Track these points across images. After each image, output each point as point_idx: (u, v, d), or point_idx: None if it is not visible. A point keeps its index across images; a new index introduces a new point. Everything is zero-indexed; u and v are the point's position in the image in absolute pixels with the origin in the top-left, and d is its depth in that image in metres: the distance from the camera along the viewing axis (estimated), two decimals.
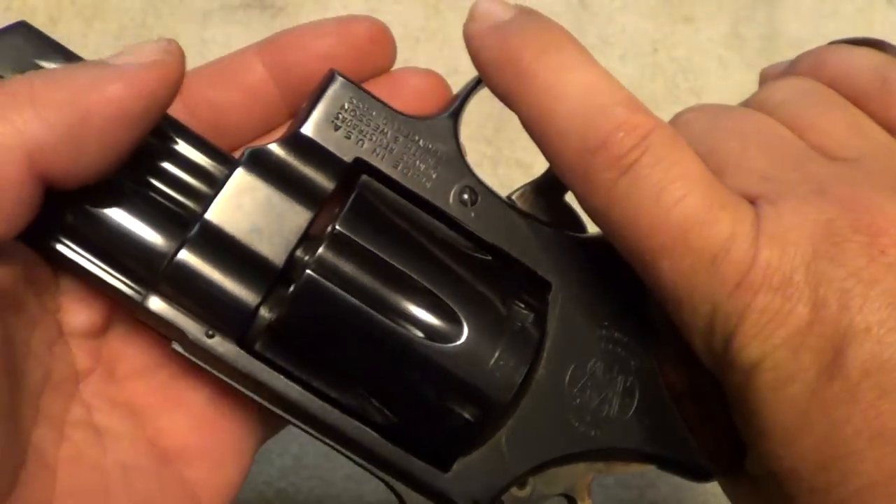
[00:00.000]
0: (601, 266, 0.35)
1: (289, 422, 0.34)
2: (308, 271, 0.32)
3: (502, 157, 0.60)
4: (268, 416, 0.35)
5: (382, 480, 0.34)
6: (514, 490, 0.35)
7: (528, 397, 0.34)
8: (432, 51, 0.63)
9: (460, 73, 0.61)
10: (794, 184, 0.31)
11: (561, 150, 0.32)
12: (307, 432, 0.34)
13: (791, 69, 0.38)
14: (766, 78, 0.39)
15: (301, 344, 0.33)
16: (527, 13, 0.33)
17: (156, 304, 0.32)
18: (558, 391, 0.34)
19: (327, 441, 0.34)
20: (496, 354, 0.33)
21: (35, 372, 0.32)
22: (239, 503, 0.56)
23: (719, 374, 0.32)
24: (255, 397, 0.33)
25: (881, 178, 0.31)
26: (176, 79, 0.30)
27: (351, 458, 0.34)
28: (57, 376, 0.33)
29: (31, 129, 0.28)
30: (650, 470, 0.36)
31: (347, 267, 0.32)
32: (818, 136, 0.33)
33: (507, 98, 0.33)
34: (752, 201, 0.31)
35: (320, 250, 0.32)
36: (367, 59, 0.36)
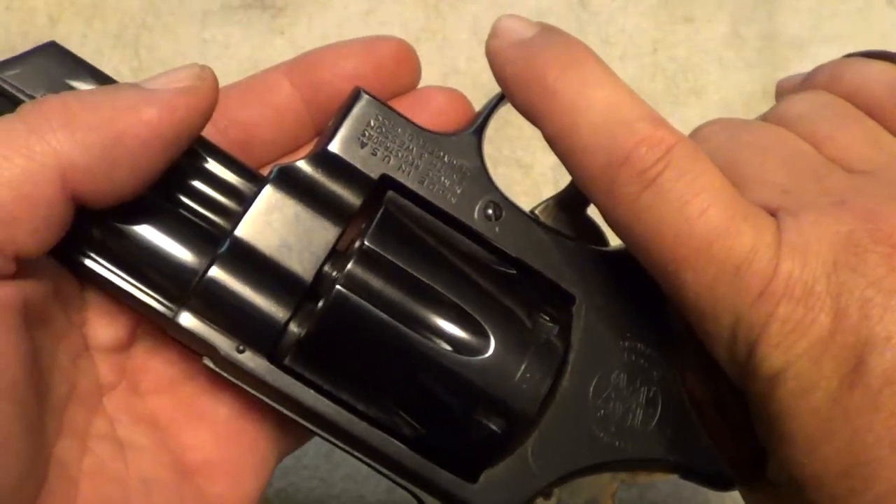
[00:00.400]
0: (623, 278, 0.35)
1: (318, 434, 0.34)
2: (338, 286, 0.32)
3: (502, 157, 0.60)
4: (289, 430, 0.35)
5: (410, 492, 0.34)
6: (540, 501, 0.35)
7: (553, 409, 0.35)
8: (432, 51, 0.63)
9: (460, 73, 0.62)
10: (814, 196, 0.32)
11: (585, 165, 0.32)
12: (336, 445, 0.34)
13: (807, 83, 0.38)
14: (781, 90, 0.39)
15: (330, 358, 0.33)
16: (548, 30, 0.34)
17: (187, 319, 0.33)
18: (583, 402, 0.35)
19: (355, 454, 0.34)
20: (522, 367, 0.33)
21: (60, 385, 0.32)
22: None
23: (742, 384, 0.32)
24: (285, 411, 0.34)
25: None
26: (209, 105, 0.31)
27: (379, 471, 0.34)
28: (81, 390, 0.33)
29: (65, 150, 0.29)
30: (670, 478, 0.36)
31: (375, 282, 0.33)
32: (836, 150, 0.34)
33: (530, 114, 0.33)
34: (773, 213, 0.31)
35: (349, 266, 0.33)
36: (392, 79, 0.37)
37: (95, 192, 0.30)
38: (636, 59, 0.64)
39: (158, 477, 0.34)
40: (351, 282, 0.32)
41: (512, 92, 0.34)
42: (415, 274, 0.33)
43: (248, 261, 0.33)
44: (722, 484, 0.36)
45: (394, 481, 0.34)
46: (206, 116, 0.31)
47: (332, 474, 0.56)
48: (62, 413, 0.32)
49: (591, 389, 0.35)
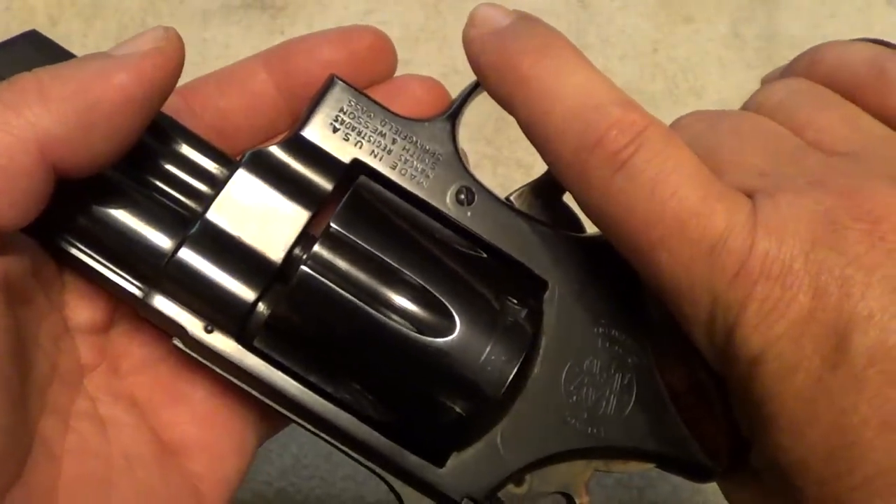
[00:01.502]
0: (599, 265, 0.35)
1: (285, 416, 0.34)
2: (302, 267, 0.33)
3: (502, 157, 0.60)
4: (269, 412, 0.36)
5: (377, 475, 0.35)
6: (511, 487, 0.35)
7: (524, 395, 0.34)
8: (432, 51, 0.63)
9: (459, 73, 0.62)
10: (792, 177, 0.31)
11: (558, 150, 0.32)
12: (303, 426, 0.34)
13: (789, 70, 0.38)
14: (765, 83, 0.39)
15: (297, 339, 0.33)
16: (525, 18, 0.34)
17: (156, 300, 0.33)
18: (555, 389, 0.35)
19: (322, 435, 0.34)
20: (488, 349, 0.33)
21: (42, 365, 0.33)
22: (239, 503, 0.56)
23: (722, 368, 0.32)
24: (253, 391, 0.34)
25: (879, 167, 0.31)
26: (175, 64, 0.31)
27: (345, 453, 0.34)
28: (63, 370, 0.34)
29: (41, 122, 0.29)
30: (650, 470, 0.36)
31: (341, 263, 0.33)
32: (815, 134, 0.33)
33: (505, 102, 0.34)
34: (750, 196, 0.31)
35: (315, 247, 0.33)
36: (368, 67, 0.37)
37: (75, 161, 0.30)
38: (636, 59, 0.64)
39: (140, 453, 0.34)
40: (316, 263, 0.33)
41: (487, 80, 0.34)
42: (381, 256, 0.33)
43: (218, 243, 0.33)
44: (701, 475, 0.36)
45: (362, 464, 0.35)
46: (175, 75, 0.32)
47: (332, 474, 0.56)
48: (44, 392, 0.33)
49: (564, 375, 0.35)
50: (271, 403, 0.34)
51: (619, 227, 0.31)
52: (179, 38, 0.32)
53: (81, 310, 0.35)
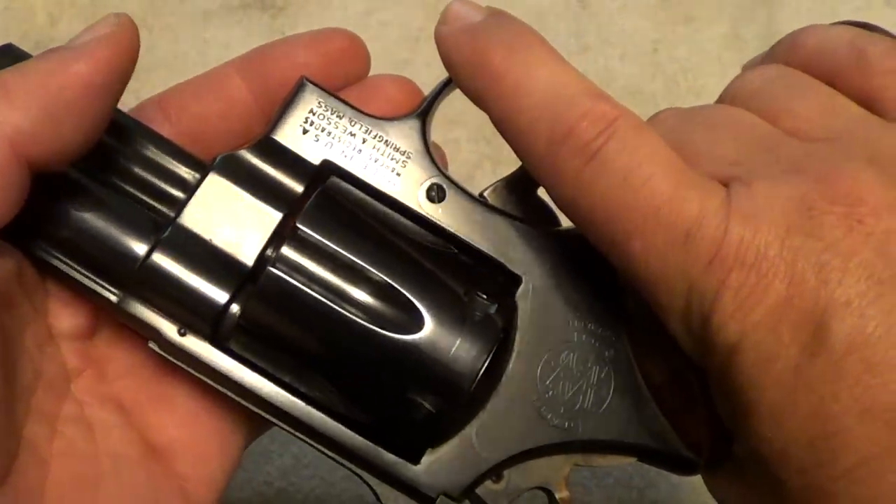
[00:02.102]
0: (574, 259, 0.35)
1: (260, 416, 0.35)
2: (268, 267, 0.33)
3: (502, 157, 0.60)
4: (253, 414, 0.36)
5: (354, 473, 0.35)
6: (489, 483, 0.35)
7: (499, 390, 0.35)
8: (432, 51, 0.63)
9: None
10: (767, 165, 0.31)
11: (530, 144, 0.32)
12: (279, 426, 0.35)
13: (769, 56, 0.38)
14: (745, 70, 0.39)
15: (268, 339, 0.34)
16: (496, 15, 0.34)
17: (131, 304, 0.34)
18: (530, 383, 0.35)
19: (298, 434, 0.34)
20: (457, 344, 0.33)
21: (27, 370, 0.33)
22: (239, 503, 0.56)
23: (701, 358, 0.32)
24: (228, 393, 0.34)
25: (857, 150, 0.31)
26: (130, 46, 0.32)
27: (322, 451, 0.35)
28: (49, 376, 0.34)
29: (9, 119, 0.30)
30: (649, 469, 0.36)
31: (308, 263, 0.33)
32: (792, 121, 0.33)
33: (478, 98, 0.34)
34: (725, 185, 0.31)
35: (282, 248, 0.33)
36: (341, 70, 0.38)
37: (47, 153, 0.31)
38: (636, 59, 0.64)
39: (127, 455, 0.35)
40: (283, 263, 0.33)
41: (459, 77, 0.34)
42: (348, 255, 0.33)
43: (190, 246, 0.33)
44: (683, 468, 0.35)
45: (339, 463, 0.35)
46: (132, 59, 0.32)
47: (333, 474, 0.56)
48: (30, 397, 0.33)
49: (540, 370, 0.35)
50: (246, 404, 0.34)
51: (592, 217, 0.31)
52: (132, 23, 0.32)
53: (65, 317, 0.35)
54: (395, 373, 0.33)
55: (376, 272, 0.33)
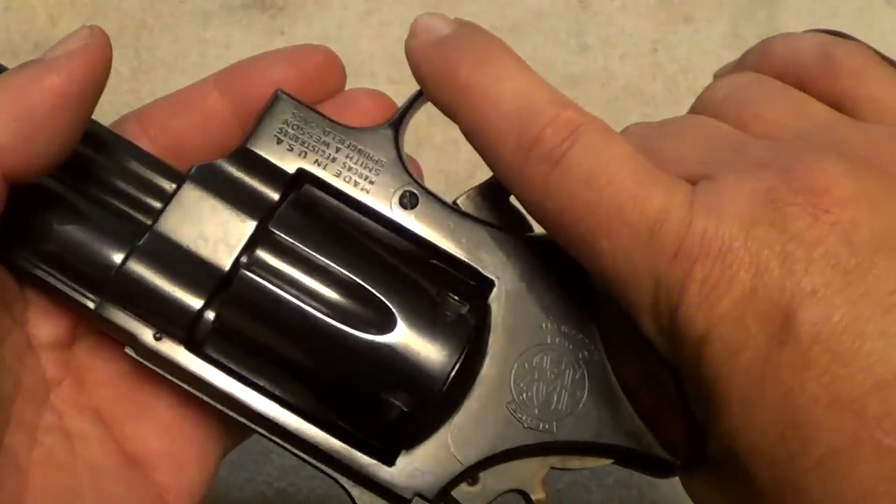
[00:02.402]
0: (546, 264, 0.36)
1: (237, 423, 0.35)
2: (241, 270, 0.34)
3: None
4: (231, 422, 0.36)
5: (329, 476, 0.35)
6: (464, 486, 0.35)
7: (473, 392, 0.35)
8: None
9: None
10: (735, 162, 0.31)
11: (498, 154, 0.33)
12: (254, 430, 0.35)
13: (739, 65, 0.38)
14: (717, 78, 0.39)
15: (242, 342, 0.34)
16: (465, 27, 0.35)
17: (107, 310, 0.34)
18: (504, 385, 0.35)
19: (273, 438, 0.35)
20: (429, 344, 0.34)
21: (7, 381, 0.33)
22: (239, 503, 0.56)
23: (672, 356, 0.32)
24: (204, 397, 0.35)
25: (824, 146, 0.31)
26: (103, 58, 0.33)
27: (296, 455, 0.35)
28: (28, 386, 0.34)
29: None
30: (608, 465, 0.36)
31: (280, 265, 0.34)
32: (762, 126, 0.33)
33: (447, 110, 0.34)
34: (693, 183, 0.31)
35: (256, 251, 0.34)
36: (317, 85, 0.39)
37: (23, 164, 0.31)
38: (636, 59, 0.64)
39: (105, 465, 0.35)
40: (257, 266, 0.34)
41: (429, 89, 0.35)
42: (321, 257, 0.34)
43: (166, 253, 0.34)
44: (660, 469, 0.36)
45: (313, 466, 0.35)
46: (105, 70, 0.33)
47: None
48: (9, 407, 0.33)
49: (513, 372, 0.35)
50: (222, 408, 0.35)
51: (560, 220, 0.32)
52: (104, 35, 0.33)
53: (44, 326, 0.36)
54: (368, 373, 0.33)
55: (348, 274, 0.34)
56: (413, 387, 0.33)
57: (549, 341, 0.35)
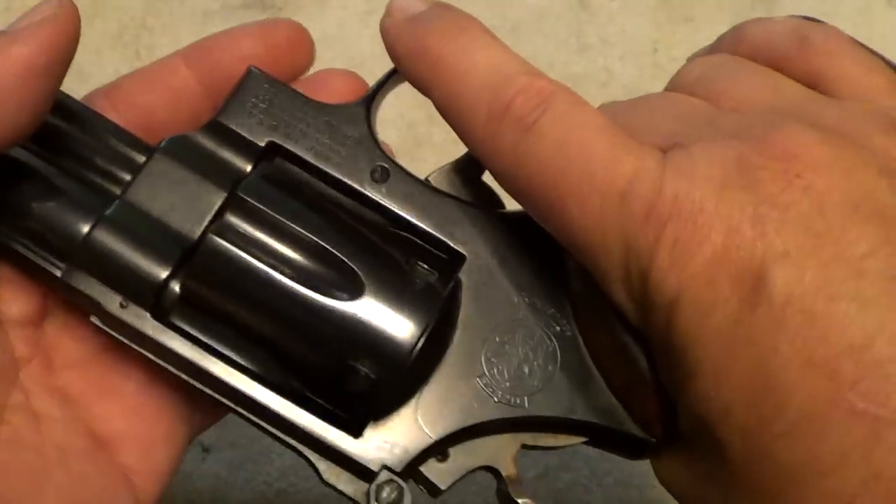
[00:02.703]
0: (518, 239, 0.35)
1: (203, 394, 0.35)
2: (209, 235, 0.34)
3: None
4: (198, 406, 0.37)
5: (293, 448, 0.34)
6: (433, 462, 0.34)
7: (443, 365, 0.34)
8: None
9: None
10: (706, 132, 0.31)
11: (470, 124, 0.33)
12: (219, 400, 0.34)
13: (714, 49, 0.38)
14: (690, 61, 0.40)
15: (208, 309, 0.34)
16: (438, 5, 0.35)
17: (73, 278, 0.34)
18: (475, 359, 0.34)
19: (237, 409, 0.34)
20: (397, 311, 0.33)
21: None
22: (239, 503, 0.56)
23: (644, 324, 0.31)
24: (170, 367, 0.34)
25: (797, 118, 0.31)
26: (72, 29, 0.32)
27: (261, 427, 0.34)
28: None
29: None
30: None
31: (249, 229, 0.34)
32: (734, 102, 0.33)
33: (420, 84, 0.35)
34: (664, 152, 0.31)
35: (224, 216, 0.34)
36: (286, 59, 0.39)
37: None
38: (636, 59, 0.64)
39: (73, 445, 0.35)
40: (224, 230, 0.34)
41: (403, 65, 0.35)
42: (289, 223, 0.34)
43: (134, 221, 0.34)
44: (634, 448, 0.35)
45: (278, 439, 0.34)
46: (73, 41, 0.32)
47: None
48: None
49: (484, 346, 0.35)
50: (187, 378, 0.34)
51: (531, 188, 0.32)
52: (73, 5, 0.33)
53: (13, 303, 0.35)
54: (335, 339, 0.33)
55: (316, 240, 0.34)
56: (381, 354, 0.33)
57: (520, 316, 0.35)
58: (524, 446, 0.35)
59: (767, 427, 0.28)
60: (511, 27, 0.63)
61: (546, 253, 0.35)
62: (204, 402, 0.36)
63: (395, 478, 0.33)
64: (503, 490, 0.34)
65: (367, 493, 0.34)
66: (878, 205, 0.29)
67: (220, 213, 0.34)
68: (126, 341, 0.34)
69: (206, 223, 0.34)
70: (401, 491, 0.33)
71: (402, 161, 0.37)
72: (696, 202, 0.29)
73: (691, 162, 0.30)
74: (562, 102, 0.32)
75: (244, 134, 0.36)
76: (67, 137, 0.36)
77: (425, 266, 0.35)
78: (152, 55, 0.63)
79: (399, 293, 0.33)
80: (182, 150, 0.35)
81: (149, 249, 0.34)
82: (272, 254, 0.34)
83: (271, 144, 0.36)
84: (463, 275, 0.35)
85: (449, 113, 0.34)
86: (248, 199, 0.34)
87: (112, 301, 0.34)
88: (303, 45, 0.39)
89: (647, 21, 0.65)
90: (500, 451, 0.35)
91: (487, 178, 0.36)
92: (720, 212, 0.29)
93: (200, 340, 0.34)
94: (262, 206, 0.34)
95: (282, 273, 0.33)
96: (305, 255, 0.34)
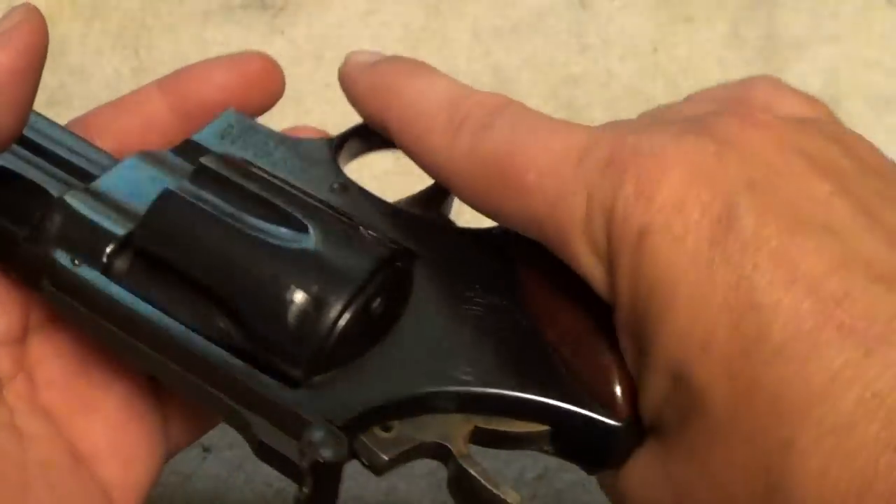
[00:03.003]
0: (471, 246, 0.36)
1: (146, 353, 0.35)
2: (166, 187, 0.35)
3: None
4: (177, 423, 0.38)
5: (228, 413, 0.33)
6: (377, 431, 0.33)
7: (392, 333, 0.34)
8: (432, 51, 0.63)
9: (460, 73, 0.62)
10: (658, 121, 0.32)
11: (428, 136, 0.34)
12: (154, 356, 0.34)
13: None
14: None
15: (155, 263, 0.34)
16: (394, 55, 0.37)
17: (35, 240, 0.35)
18: (424, 335, 0.34)
19: (175, 366, 0.34)
20: (340, 255, 0.34)
21: None
22: (239, 503, 0.56)
23: (608, 280, 0.30)
24: (114, 328, 0.34)
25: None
26: (44, 31, 0.34)
27: (195, 385, 0.33)
28: None
29: None
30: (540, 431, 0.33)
31: (204, 189, 0.35)
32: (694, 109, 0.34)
33: (381, 116, 0.36)
34: None
35: (183, 180, 0.36)
36: (257, 90, 0.41)
37: None
38: (636, 59, 0.64)
39: (55, 461, 0.35)
40: (180, 188, 0.35)
41: (362, 103, 0.37)
42: (245, 184, 0.35)
43: (101, 197, 0.35)
44: (599, 435, 0.32)
45: (215, 403, 0.33)
46: (46, 42, 0.34)
47: None
48: None
49: (434, 325, 0.34)
50: (132, 339, 0.34)
51: (487, 176, 0.32)
52: (38, 10, 0.34)
53: None
54: (278, 280, 0.33)
55: (267, 196, 0.35)
56: (323, 300, 0.33)
57: (472, 305, 0.34)
58: (477, 428, 0.33)
59: (752, 354, 0.27)
60: (511, 27, 0.63)
61: (498, 258, 0.35)
62: (183, 418, 0.37)
63: (335, 429, 0.31)
64: (455, 468, 0.32)
65: (303, 445, 0.31)
66: (829, 160, 0.29)
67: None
68: (74, 303, 0.35)
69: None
70: (339, 442, 0.31)
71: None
72: (655, 146, 0.29)
73: (647, 127, 0.31)
74: (516, 107, 0.33)
75: (216, 150, 0.37)
76: (38, 148, 0.37)
77: (373, 233, 0.35)
78: (152, 55, 0.63)
79: (346, 240, 0.34)
80: (154, 157, 0.37)
81: (110, 213, 0.35)
82: (223, 206, 0.35)
83: (241, 158, 0.37)
84: (416, 262, 0.35)
85: (407, 135, 0.35)
86: (210, 166, 0.36)
87: (65, 258, 0.35)
88: (273, 77, 0.41)
89: (647, 21, 0.65)
90: (451, 429, 0.33)
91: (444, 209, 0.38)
92: (681, 150, 0.29)
93: (147, 297, 0.34)
94: (221, 171, 0.35)
95: (230, 218, 0.34)
96: (255, 207, 0.35)
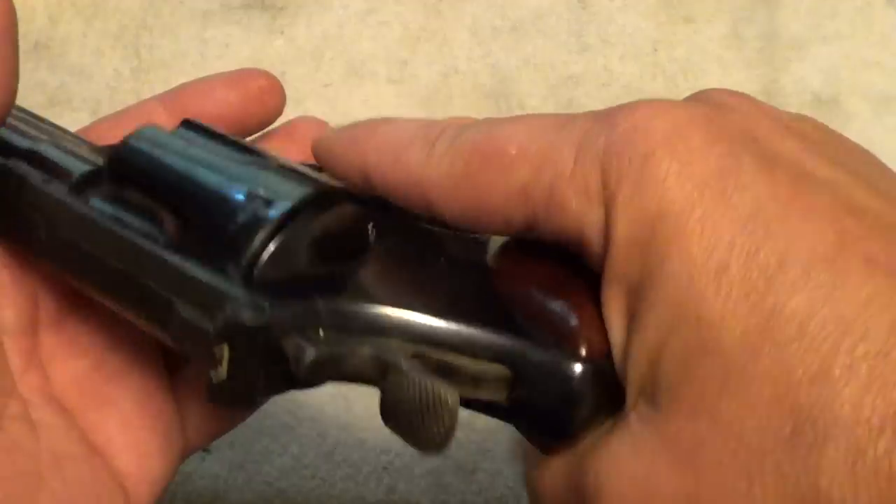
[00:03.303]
0: (435, 234, 0.35)
1: (205, 423, 0.35)
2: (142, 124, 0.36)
3: None
4: (197, 421, 0.38)
5: (149, 295, 0.31)
6: (308, 330, 0.30)
7: (344, 265, 0.32)
8: (432, 51, 0.63)
9: (460, 73, 0.62)
10: None
11: (405, 159, 0.33)
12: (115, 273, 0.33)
13: None
14: None
15: (126, 184, 0.34)
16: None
17: (11, 164, 0.36)
18: (380, 267, 0.33)
19: (136, 275, 0.32)
20: (293, 177, 0.34)
21: None
22: (239, 503, 0.56)
23: (602, 228, 0.29)
24: (80, 243, 0.34)
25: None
26: (13, 13, 0.36)
27: (126, 276, 0.32)
28: None
29: None
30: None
31: (186, 131, 0.36)
32: None
33: (359, 162, 0.34)
34: None
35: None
36: (259, 106, 0.42)
37: None
38: (636, 59, 0.64)
39: (68, 451, 0.36)
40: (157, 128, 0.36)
41: (339, 161, 0.35)
42: (229, 137, 0.36)
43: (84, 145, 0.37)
44: (565, 377, 0.30)
45: (140, 292, 0.32)
46: (15, 23, 0.36)
47: (332, 474, 0.56)
48: None
49: (391, 263, 0.34)
50: (100, 255, 0.33)
51: (467, 164, 0.32)
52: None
53: (7, 311, 0.36)
54: (228, 185, 0.33)
55: (238, 140, 0.36)
56: (273, 199, 0.32)
57: (435, 268, 0.34)
58: (424, 356, 0.31)
59: (775, 281, 0.25)
60: (511, 27, 0.63)
61: (466, 248, 0.35)
62: (199, 413, 0.37)
63: (259, 299, 0.29)
64: (392, 381, 0.29)
65: (218, 310, 0.29)
66: (820, 142, 0.30)
67: None
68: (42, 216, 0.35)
69: None
70: (260, 309, 0.28)
71: None
72: (643, 102, 0.29)
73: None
74: (489, 121, 0.32)
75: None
76: (32, 138, 0.38)
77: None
78: (152, 55, 0.63)
79: (306, 173, 0.34)
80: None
81: (89, 148, 0.37)
82: (194, 139, 0.35)
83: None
84: (376, 226, 0.34)
85: (384, 159, 0.34)
86: (197, 123, 0.36)
87: (35, 177, 0.35)
88: (274, 94, 0.42)
89: (647, 21, 0.65)
90: (393, 347, 0.31)
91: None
92: (674, 104, 0.29)
93: (111, 213, 0.34)
94: (208, 128, 0.36)
95: (195, 145, 0.35)
96: (226, 146, 0.35)
